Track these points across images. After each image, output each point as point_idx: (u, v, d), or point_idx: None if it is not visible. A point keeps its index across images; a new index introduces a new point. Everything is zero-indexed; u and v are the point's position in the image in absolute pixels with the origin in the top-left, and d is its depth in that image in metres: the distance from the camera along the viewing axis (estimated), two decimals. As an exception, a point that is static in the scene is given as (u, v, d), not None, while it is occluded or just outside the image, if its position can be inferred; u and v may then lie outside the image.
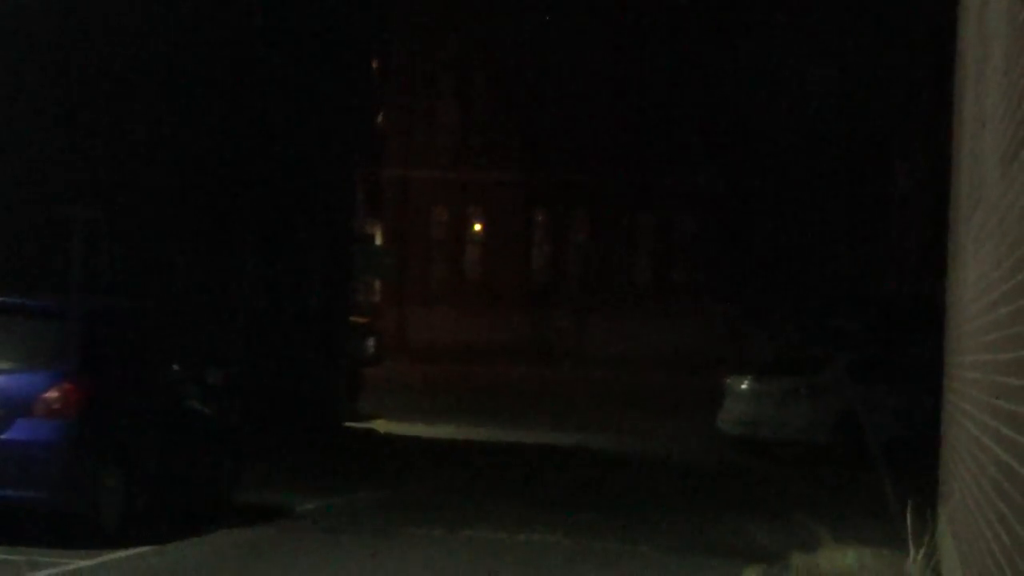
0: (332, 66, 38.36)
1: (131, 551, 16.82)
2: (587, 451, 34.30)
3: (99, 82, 28.14)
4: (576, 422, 40.15)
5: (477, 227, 71.31)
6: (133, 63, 29.20)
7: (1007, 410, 8.57)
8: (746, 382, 34.32)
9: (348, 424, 37.18)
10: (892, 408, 31.32)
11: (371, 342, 48.79)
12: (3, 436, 16.80)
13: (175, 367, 19.98)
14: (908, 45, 53.10)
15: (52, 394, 17.02)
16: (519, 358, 63.37)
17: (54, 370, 17.23)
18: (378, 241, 60.48)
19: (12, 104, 25.58)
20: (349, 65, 40.44)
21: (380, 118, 51.19)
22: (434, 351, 64.81)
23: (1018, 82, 8.69)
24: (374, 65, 46.66)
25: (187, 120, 31.11)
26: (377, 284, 62.59)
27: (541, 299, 68.59)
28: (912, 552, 14.97)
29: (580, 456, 33.27)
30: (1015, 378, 8.08)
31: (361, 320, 45.86)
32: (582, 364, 62.36)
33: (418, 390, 47.59)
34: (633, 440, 36.88)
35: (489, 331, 67.68)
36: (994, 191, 10.42)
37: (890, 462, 19.22)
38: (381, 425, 38.03)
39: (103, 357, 18.04)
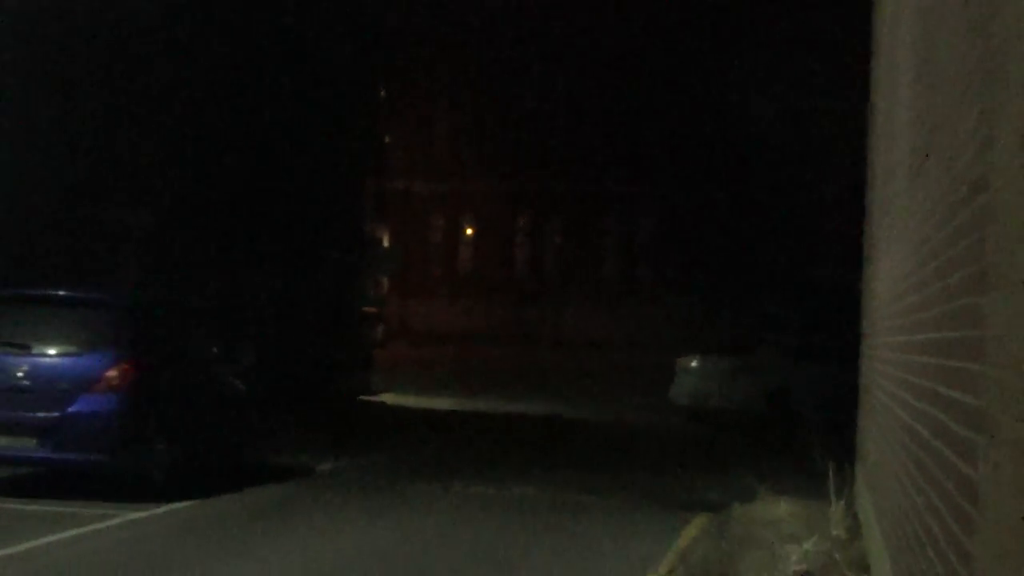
0: (347, 95, 38.44)
1: (177, 505, 16.84)
2: (561, 420, 34.25)
3: (151, 108, 28.17)
4: (552, 395, 40.12)
5: (468, 231, 71.27)
6: (183, 93, 29.23)
7: (912, 382, 8.62)
8: (694, 361, 34.29)
9: (361, 397, 37.16)
10: (817, 384, 31.32)
11: (379, 328, 48.76)
12: (70, 409, 16.85)
13: (213, 349, 20.02)
14: (835, 74, 53.10)
15: (111, 373, 17.06)
16: (504, 342, 63.34)
17: (112, 353, 17.25)
18: (384, 243, 60.38)
19: (78, 123, 25.57)
20: (361, 94, 40.51)
21: (386, 138, 51.03)
22: (432, 336, 64.79)
23: (920, 107, 8.74)
24: (381, 94, 46.59)
25: (225, 139, 31.15)
26: (384, 279, 62.50)
27: (523, 292, 68.57)
28: (834, 501, 15.00)
29: (556, 424, 33.22)
30: (918, 356, 8.13)
31: (371, 310, 45.81)
32: (557, 347, 62.36)
33: (419, 369, 47.56)
34: (600, 411, 36.85)
35: (478, 319, 67.71)
36: (903, 198, 10.47)
37: (815, 428, 19.25)
38: (389, 398, 37.97)
39: (152, 341, 18.06)
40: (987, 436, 4.66)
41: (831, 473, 15.33)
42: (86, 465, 17.13)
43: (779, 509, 16.70)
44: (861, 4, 20.58)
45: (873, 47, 18.77)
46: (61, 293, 18.36)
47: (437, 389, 40.84)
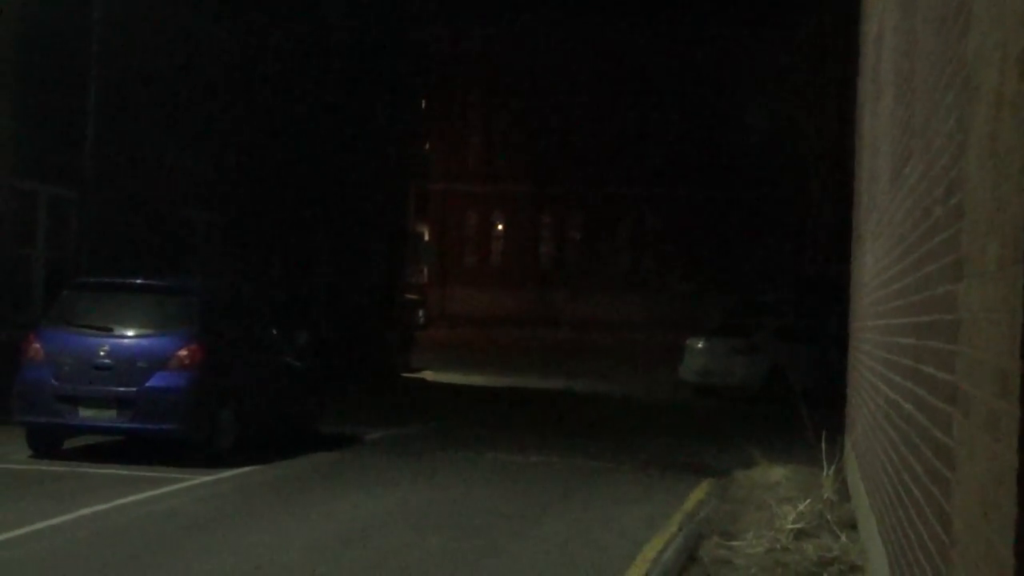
0: (394, 108, 38.53)
1: (241, 470, 16.89)
2: (580, 394, 34.29)
3: (228, 125, 28.31)
4: (572, 372, 40.16)
5: (499, 227, 71.33)
6: (253, 111, 29.37)
7: (894, 361, 8.61)
8: (700, 342, 34.28)
9: (403, 374, 37.22)
10: (809, 362, 31.29)
11: (420, 313, 48.82)
12: (147, 384, 16.91)
13: (273, 331, 20.06)
14: (827, 88, 52.93)
15: (182, 352, 17.11)
16: (530, 325, 63.43)
17: (184, 334, 17.30)
18: (425, 237, 60.42)
19: (160, 136, 25.69)
20: (405, 107, 40.60)
21: (426, 145, 51.11)
22: (466, 319, 64.88)
23: (900, 118, 8.72)
24: (422, 106, 46.64)
25: (286, 147, 31.25)
26: (424, 269, 62.61)
27: (546, 280, 68.63)
28: (825, 467, 14.96)
29: (574, 397, 33.26)
30: (900, 337, 8.13)
31: (413, 296, 45.90)
32: (576, 329, 62.39)
33: (455, 349, 47.61)
34: (615, 386, 36.86)
35: (507, 304, 67.78)
36: (886, 198, 10.46)
37: (808, 403, 19.19)
38: (428, 375, 38.05)
39: (219, 324, 18.09)
40: (961, 409, 4.66)
41: (823, 443, 15.28)
42: (160, 434, 17.19)
43: (776, 474, 16.65)
44: (849, 23, 20.52)
45: (860, 62, 18.73)
46: (139, 281, 18.40)
47: (469, 367, 40.89)
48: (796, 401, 17.70)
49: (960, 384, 4.66)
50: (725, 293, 53.57)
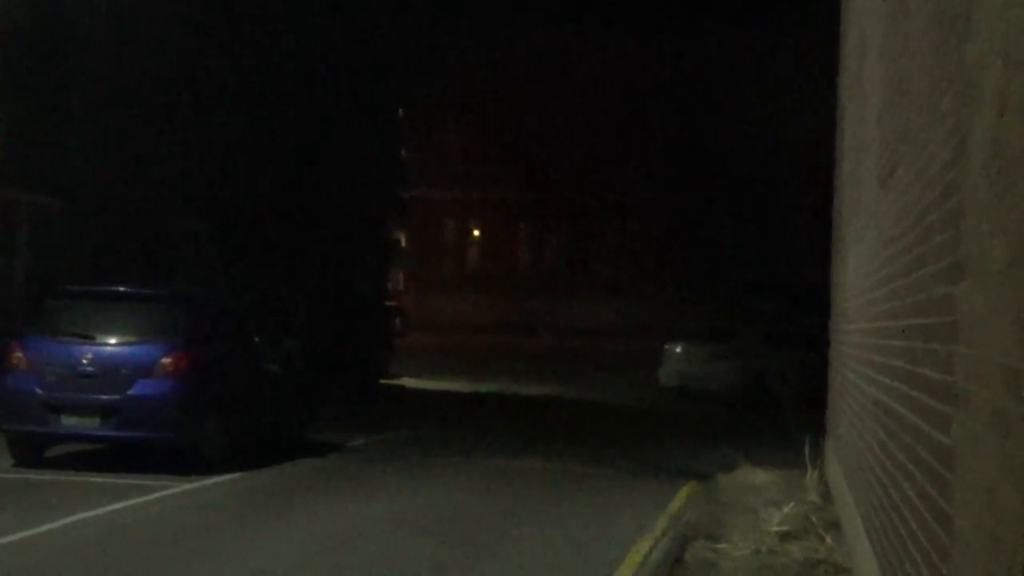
0: (373, 117, 38.58)
1: (227, 477, 16.89)
2: (560, 399, 34.34)
3: (210, 137, 28.34)
4: (551, 378, 40.20)
5: (476, 233, 71.36)
6: (235, 121, 29.40)
7: (883, 363, 8.65)
8: (680, 347, 34.39)
9: (383, 381, 37.21)
10: (790, 368, 31.40)
11: (398, 319, 48.77)
12: (130, 392, 16.89)
13: (257, 339, 20.05)
14: (805, 97, 53.23)
15: (167, 360, 17.09)
16: (508, 331, 63.43)
17: (167, 342, 17.29)
18: (403, 243, 60.32)
19: (141, 146, 25.68)
20: (384, 116, 40.66)
21: (404, 152, 51.08)
22: (443, 326, 64.82)
23: (889, 123, 8.78)
24: (399, 114, 46.64)
25: (267, 155, 31.29)
26: (402, 275, 62.54)
27: (524, 287, 68.63)
28: (809, 470, 15.06)
29: (555, 403, 33.31)
30: (891, 340, 8.17)
31: (391, 303, 45.87)
32: (555, 335, 62.41)
33: (433, 356, 47.58)
34: (594, 391, 36.91)
35: (485, 311, 67.77)
36: (872, 202, 10.50)
37: (789, 407, 19.28)
38: (407, 382, 38.05)
39: (204, 332, 18.08)
40: (962, 409, 4.70)
41: (807, 446, 15.37)
42: (145, 442, 17.18)
43: (759, 478, 16.75)
44: (829, 31, 20.58)
45: (840, 66, 18.81)
46: (123, 289, 18.39)
47: (448, 373, 40.90)
48: (777, 406, 17.81)
49: (961, 384, 4.70)
50: (705, 299, 53.64)
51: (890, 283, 8.31)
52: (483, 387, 36.94)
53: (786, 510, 13.28)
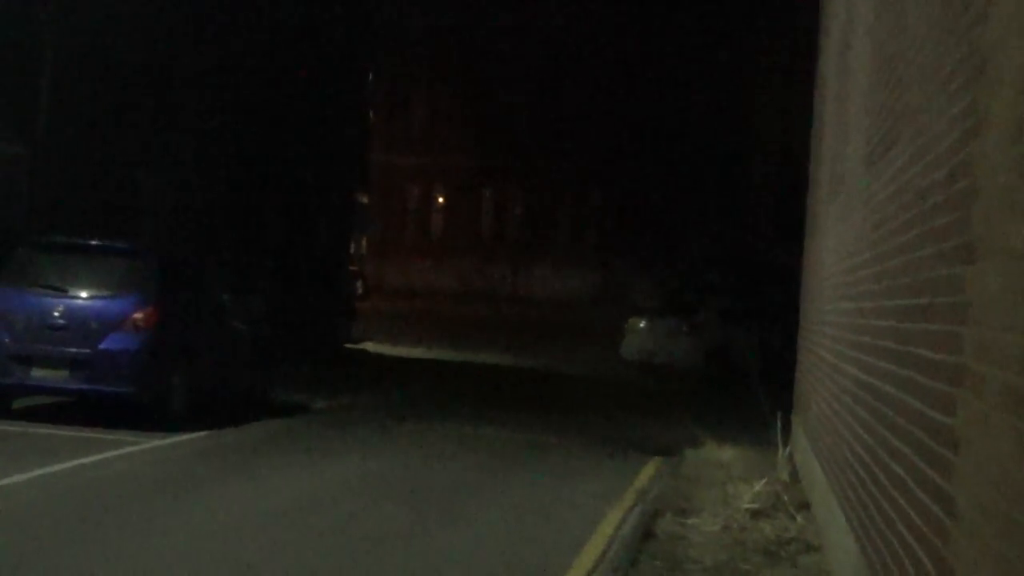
0: (339, 79, 38.44)
1: (195, 435, 16.88)
2: (522, 369, 34.37)
3: (178, 96, 28.25)
4: (513, 347, 40.22)
5: (440, 199, 71.26)
6: (204, 83, 29.29)
7: (868, 343, 8.67)
8: (643, 321, 34.41)
9: (346, 345, 37.16)
10: (752, 343, 31.50)
11: (360, 284, 48.73)
12: (101, 346, 16.86)
13: (224, 297, 20.02)
14: (780, 72, 53.33)
15: (137, 315, 17.06)
16: (470, 298, 63.50)
17: (138, 297, 17.24)
18: (367, 208, 60.23)
19: (116, 104, 25.51)
20: (351, 78, 40.50)
21: (371, 116, 50.94)
22: (406, 292, 64.83)
23: (881, 102, 8.78)
24: (369, 77, 46.47)
25: (236, 118, 31.19)
26: (364, 239, 62.48)
27: (487, 254, 68.64)
28: (780, 448, 15.13)
29: (517, 372, 33.34)
30: (877, 320, 8.20)
31: (354, 267, 45.79)
32: (517, 304, 62.52)
33: (394, 321, 47.52)
34: (556, 362, 36.96)
35: (448, 277, 67.80)
36: (856, 182, 10.49)
37: (751, 384, 19.30)
38: (370, 346, 38.01)
39: (173, 289, 18.02)
40: (968, 390, 4.73)
41: (777, 423, 15.43)
42: (113, 396, 17.12)
43: (725, 454, 16.83)
44: (806, 6, 20.60)
45: (820, 45, 18.82)
46: (94, 242, 18.29)
47: (410, 339, 40.88)
48: (740, 382, 17.85)
49: (970, 364, 4.73)
50: (668, 272, 53.77)
51: (878, 263, 8.32)
52: (446, 355, 36.94)
53: (757, 488, 13.34)
